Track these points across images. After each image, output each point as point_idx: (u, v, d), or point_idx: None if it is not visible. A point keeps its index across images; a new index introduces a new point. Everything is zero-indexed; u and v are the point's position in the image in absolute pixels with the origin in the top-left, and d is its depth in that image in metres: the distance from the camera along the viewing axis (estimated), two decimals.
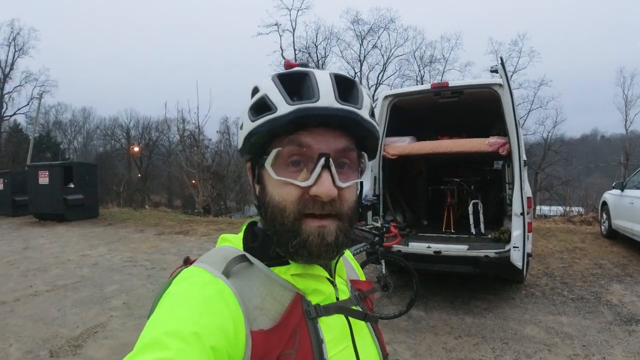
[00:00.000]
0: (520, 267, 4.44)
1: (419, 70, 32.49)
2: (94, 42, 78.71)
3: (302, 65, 0.76)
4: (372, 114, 0.69)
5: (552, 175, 28.51)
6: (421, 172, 7.43)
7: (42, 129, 37.20)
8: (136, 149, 36.76)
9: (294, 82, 0.66)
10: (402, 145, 5.69)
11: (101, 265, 7.31)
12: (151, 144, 39.28)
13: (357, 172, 0.70)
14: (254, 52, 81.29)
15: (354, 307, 0.75)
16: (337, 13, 65.71)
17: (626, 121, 28.65)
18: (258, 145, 0.67)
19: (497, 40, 52.17)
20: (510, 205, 4.86)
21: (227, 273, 0.64)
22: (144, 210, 18.79)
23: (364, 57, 32.31)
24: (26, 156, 21.64)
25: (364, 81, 30.67)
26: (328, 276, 0.73)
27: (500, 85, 4.80)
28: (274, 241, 0.68)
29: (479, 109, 5.97)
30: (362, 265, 4.52)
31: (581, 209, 14.60)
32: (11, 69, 33.79)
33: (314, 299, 0.68)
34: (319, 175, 0.63)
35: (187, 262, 0.73)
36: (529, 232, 4.50)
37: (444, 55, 32.57)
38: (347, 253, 0.90)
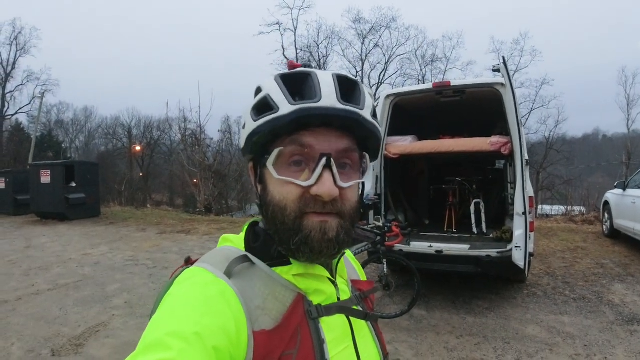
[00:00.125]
0: (522, 267, 4.44)
1: (421, 70, 32.48)
2: (95, 42, 78.87)
3: (305, 66, 0.76)
4: (374, 115, 0.70)
5: (553, 175, 28.46)
6: (423, 172, 7.42)
7: (43, 128, 37.28)
8: (138, 148, 36.83)
9: (297, 83, 0.66)
10: (404, 144, 5.69)
11: (103, 264, 7.32)
12: (153, 143, 39.32)
13: (358, 173, 0.70)
14: (254, 52, 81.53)
15: (354, 307, 0.75)
16: (338, 12, 65.57)
17: (628, 120, 28.50)
18: (260, 144, 0.67)
19: (499, 39, 52.13)
20: (512, 204, 4.85)
21: (229, 273, 0.64)
22: (146, 209, 18.80)
23: (366, 56, 32.31)
24: (28, 155, 21.67)
25: (365, 80, 30.66)
26: (329, 276, 0.73)
27: (502, 84, 4.79)
28: (276, 240, 0.68)
29: (481, 108, 5.96)
30: (364, 265, 4.52)
31: (583, 209, 14.56)
32: (13, 68, 33.90)
33: (315, 299, 0.69)
34: (321, 175, 0.63)
35: (189, 262, 0.73)
36: (530, 231, 4.49)
37: (445, 55, 32.54)
38: (348, 253, 0.91)
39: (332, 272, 0.75)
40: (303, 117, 0.62)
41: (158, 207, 24.65)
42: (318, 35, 32.02)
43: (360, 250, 4.56)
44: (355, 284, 0.83)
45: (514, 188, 4.92)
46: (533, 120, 30.79)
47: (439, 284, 5.63)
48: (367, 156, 0.72)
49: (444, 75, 31.43)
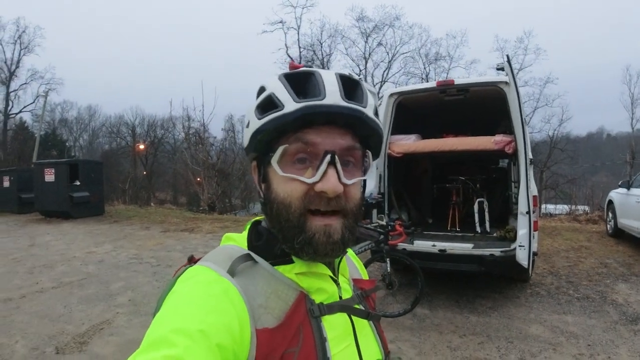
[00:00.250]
0: (526, 266, 4.43)
1: (424, 68, 32.34)
2: (99, 41, 78.83)
3: (306, 66, 0.77)
4: (376, 113, 0.70)
5: (557, 174, 28.31)
6: (426, 170, 7.41)
7: (47, 126, 37.38)
8: (141, 146, 36.86)
9: (300, 81, 0.67)
10: (408, 143, 5.68)
11: (107, 263, 7.35)
12: (156, 142, 39.36)
13: (361, 170, 0.70)
14: (255, 51, 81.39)
15: (356, 306, 0.75)
16: (342, 10, 65.68)
17: (632, 119, 28.36)
18: (264, 143, 0.68)
19: (503, 37, 51.95)
20: (516, 203, 4.84)
21: (232, 272, 0.64)
22: (150, 208, 18.84)
23: (369, 54, 32.20)
24: (32, 154, 21.80)
25: (368, 79, 30.59)
26: (332, 275, 0.73)
27: (506, 83, 4.78)
28: (280, 238, 0.69)
29: (484, 106, 5.95)
30: (367, 264, 4.52)
31: (587, 208, 14.52)
32: (17, 66, 33.92)
33: (317, 298, 0.69)
34: (325, 172, 0.63)
35: (192, 260, 0.74)
36: (534, 230, 4.48)
37: (449, 53, 32.38)
38: (350, 252, 0.91)
39: (334, 270, 0.75)
40: (308, 114, 0.63)
41: (162, 205, 24.66)
42: (321, 34, 31.95)
43: (363, 249, 4.57)
44: (357, 282, 0.83)
45: (517, 187, 4.91)
46: (537, 119, 30.67)
47: (442, 283, 5.62)
48: (370, 154, 0.72)
49: (447, 73, 31.28)
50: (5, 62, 33.27)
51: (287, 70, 0.71)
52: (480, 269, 4.74)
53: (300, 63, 0.82)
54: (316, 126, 0.65)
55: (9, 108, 33.97)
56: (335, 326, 0.69)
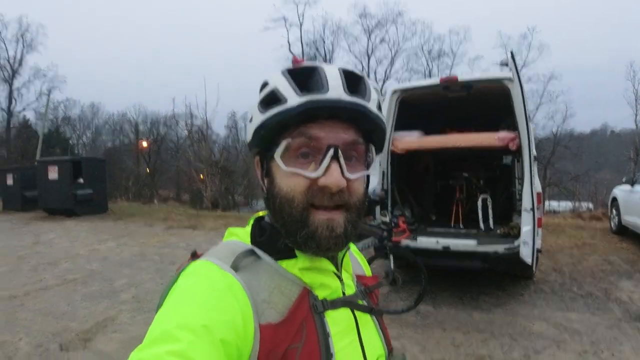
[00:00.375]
0: (530, 263, 4.41)
1: (427, 64, 32.38)
2: (101, 40, 79.05)
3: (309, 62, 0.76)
4: (379, 108, 0.70)
5: (561, 171, 28.24)
6: (429, 167, 7.39)
7: (51, 124, 37.42)
8: (144, 144, 36.87)
9: (303, 76, 0.66)
10: (411, 139, 5.66)
11: (110, 260, 7.37)
12: (159, 139, 39.37)
13: (364, 165, 0.70)
14: (256, 51, 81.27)
15: (359, 302, 0.75)
16: (344, 7, 65.21)
17: (636, 116, 28.20)
18: (267, 137, 0.68)
19: (506, 33, 51.75)
20: (520, 200, 4.83)
21: (235, 267, 0.64)
22: (153, 205, 18.93)
23: (372, 51, 32.23)
24: (35, 151, 21.86)
25: (371, 75, 30.56)
26: (335, 270, 0.73)
27: (510, 79, 4.75)
28: (283, 232, 0.69)
29: (488, 103, 5.92)
30: (371, 260, 4.52)
31: (590, 205, 14.52)
32: (20, 65, 34.03)
33: (320, 293, 0.69)
34: (328, 167, 0.63)
35: (195, 255, 0.73)
36: (538, 227, 4.47)
37: (452, 49, 32.44)
38: (353, 248, 0.91)
39: (338, 266, 0.75)
40: (311, 108, 0.63)
41: (165, 202, 24.78)
42: (324, 31, 32.04)
43: (367, 245, 4.56)
44: (360, 278, 0.83)
45: (521, 184, 4.90)
46: (540, 115, 30.61)
47: (446, 279, 5.62)
48: (373, 148, 0.72)
49: (450, 70, 31.35)
50: (8, 60, 33.40)
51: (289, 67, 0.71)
52: (483, 266, 4.73)
53: (302, 59, 0.83)
54: (319, 121, 0.65)
55: (12, 106, 34.10)
56: (338, 322, 0.69)
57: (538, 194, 4.53)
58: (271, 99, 0.66)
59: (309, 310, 0.65)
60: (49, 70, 35.85)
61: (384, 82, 30.84)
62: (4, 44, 32.97)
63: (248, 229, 0.76)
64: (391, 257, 4.57)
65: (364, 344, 0.72)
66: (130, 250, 8.16)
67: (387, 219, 4.69)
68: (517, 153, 5.14)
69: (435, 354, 3.75)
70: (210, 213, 14.36)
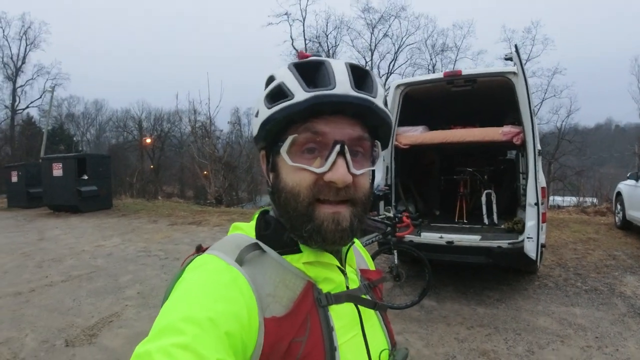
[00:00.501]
0: (534, 258, 4.40)
1: (431, 59, 32.23)
2: (104, 38, 79.44)
3: (315, 56, 0.76)
4: (385, 103, 0.70)
5: (565, 165, 28.16)
6: (433, 162, 7.37)
7: (55, 121, 37.56)
8: (148, 140, 36.95)
9: (310, 71, 0.66)
10: (415, 134, 5.65)
11: (115, 256, 7.40)
12: (163, 136, 39.47)
13: (370, 161, 0.70)
14: (258, 47, 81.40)
15: (363, 296, 0.75)
16: (347, 1, 65.05)
17: None
18: (273, 132, 0.68)
19: (510, 28, 51.48)
20: (524, 195, 4.81)
21: (240, 261, 0.64)
22: (157, 201, 18.95)
23: (375, 46, 32.12)
24: (40, 149, 21.91)
25: (375, 70, 30.47)
26: (339, 265, 0.74)
27: (514, 73, 4.74)
28: (288, 227, 0.69)
29: (492, 97, 5.89)
30: (375, 256, 4.52)
31: (595, 200, 14.44)
32: (23, 62, 34.17)
33: (324, 287, 0.69)
34: (334, 162, 0.63)
35: (200, 250, 0.74)
36: (543, 222, 4.45)
37: (456, 44, 32.25)
38: (357, 243, 0.91)
39: (342, 260, 0.76)
40: (318, 104, 0.63)
41: (169, 199, 24.78)
42: (327, 26, 31.92)
43: (370, 240, 4.56)
44: (364, 273, 0.84)
45: (525, 178, 4.88)
46: (545, 110, 30.53)
47: (450, 275, 5.62)
48: (379, 144, 0.72)
49: (454, 64, 31.19)
50: (12, 58, 33.57)
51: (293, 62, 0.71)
52: (487, 261, 4.72)
53: (308, 53, 0.82)
54: (325, 116, 0.65)
55: (16, 104, 34.25)
56: (342, 316, 0.69)
57: (542, 188, 4.52)
58: (278, 93, 0.65)
59: (313, 303, 0.65)
60: (53, 67, 36.17)
61: (387, 76, 30.74)
62: (7, 41, 33.15)
63: (253, 223, 0.76)
64: (395, 252, 4.57)
65: (368, 339, 0.72)
66: (135, 246, 8.19)
67: (391, 214, 4.68)
68: (522, 148, 5.12)
69: (439, 348, 3.75)
70: (214, 209, 14.39)
